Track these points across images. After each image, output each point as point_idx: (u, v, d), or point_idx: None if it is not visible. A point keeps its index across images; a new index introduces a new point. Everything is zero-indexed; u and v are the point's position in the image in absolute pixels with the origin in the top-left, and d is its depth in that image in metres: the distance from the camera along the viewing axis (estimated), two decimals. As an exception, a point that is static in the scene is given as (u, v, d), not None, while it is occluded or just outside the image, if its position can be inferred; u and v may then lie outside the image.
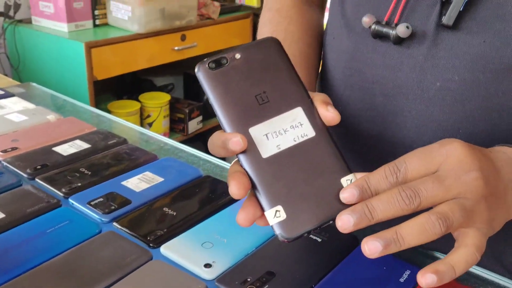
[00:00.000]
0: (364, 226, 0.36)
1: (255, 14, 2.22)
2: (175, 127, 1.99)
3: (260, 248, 0.56)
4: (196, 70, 0.42)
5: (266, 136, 0.40)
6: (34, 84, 1.10)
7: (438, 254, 0.59)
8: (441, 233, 0.36)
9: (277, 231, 0.38)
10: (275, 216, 0.38)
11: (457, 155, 0.38)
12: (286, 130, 0.40)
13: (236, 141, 0.38)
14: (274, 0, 0.68)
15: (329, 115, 0.40)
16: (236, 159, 0.41)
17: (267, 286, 0.50)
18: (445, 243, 0.58)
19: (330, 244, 0.56)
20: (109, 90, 1.97)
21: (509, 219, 0.41)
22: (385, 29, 0.51)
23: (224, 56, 0.42)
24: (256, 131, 0.40)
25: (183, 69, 2.12)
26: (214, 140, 0.41)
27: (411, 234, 0.36)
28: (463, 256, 0.36)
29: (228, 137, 0.39)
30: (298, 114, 0.41)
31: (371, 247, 0.35)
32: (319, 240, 0.57)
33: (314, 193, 0.39)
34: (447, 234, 0.54)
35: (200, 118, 2.04)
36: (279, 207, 0.39)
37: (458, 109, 0.49)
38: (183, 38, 1.83)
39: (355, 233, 0.58)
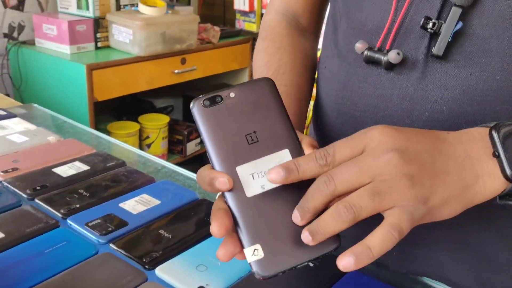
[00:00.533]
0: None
1: (254, 39, 2.26)
2: (174, 149, 2.01)
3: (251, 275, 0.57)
4: (191, 106, 0.44)
5: (252, 175, 0.41)
6: (35, 105, 1.12)
7: (427, 280, 0.60)
8: (350, 220, 0.37)
9: (254, 268, 0.39)
10: (253, 254, 0.39)
11: (377, 137, 0.39)
12: None
13: (222, 181, 0.40)
14: (269, 30, 0.71)
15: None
16: (220, 194, 0.43)
17: (259, 309, 0.50)
18: (434, 268, 0.59)
19: (321, 269, 0.57)
20: (109, 111, 1.99)
21: (472, 198, 0.41)
22: (377, 55, 0.53)
23: (219, 94, 0.43)
24: (243, 170, 0.41)
25: (182, 91, 2.15)
26: (202, 176, 0.42)
27: (328, 222, 0.37)
28: (379, 236, 0.37)
29: (216, 176, 0.40)
30: (284, 156, 0.42)
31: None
32: (311, 265, 0.58)
33: (292, 235, 0.40)
34: (437, 259, 0.55)
35: (199, 140, 2.06)
36: (258, 246, 0.40)
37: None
38: (183, 61, 1.86)
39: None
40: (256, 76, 0.67)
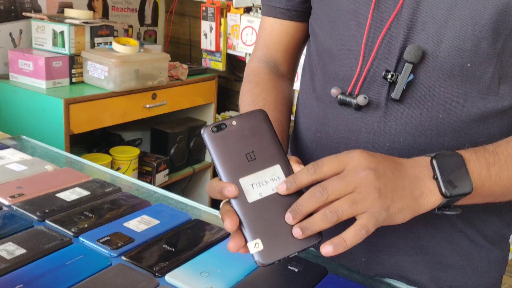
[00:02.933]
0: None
1: (220, 77, 2.40)
2: (143, 180, 2.08)
3: (249, 276, 0.67)
4: (202, 132, 0.56)
5: (252, 185, 0.54)
6: (24, 136, 1.19)
7: (390, 281, 0.72)
8: (334, 222, 0.50)
9: (256, 258, 0.52)
10: (254, 246, 0.52)
11: (357, 158, 0.52)
12: (267, 182, 0.54)
13: (230, 190, 0.52)
14: (254, 74, 0.84)
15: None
16: (225, 200, 0.55)
17: (256, 305, 0.61)
18: (396, 270, 0.72)
19: (304, 273, 0.69)
20: (80, 143, 2.05)
21: (418, 208, 0.54)
22: (348, 98, 0.67)
23: (224, 122, 0.56)
24: (244, 181, 0.54)
25: (150, 124, 2.24)
26: (213, 186, 0.55)
27: (316, 222, 0.51)
28: (351, 232, 0.50)
29: (225, 186, 0.53)
30: (276, 170, 0.55)
31: None
32: (296, 270, 0.70)
33: (285, 231, 0.53)
34: (398, 262, 0.68)
35: (167, 171, 2.14)
36: (258, 240, 0.52)
37: (403, 163, 0.65)
38: (154, 96, 1.97)
39: (324, 265, 0.71)
40: (244, 111, 0.79)
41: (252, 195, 0.54)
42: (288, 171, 0.55)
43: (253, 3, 2.16)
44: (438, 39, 0.62)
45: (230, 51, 2.32)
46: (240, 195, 0.53)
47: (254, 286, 0.65)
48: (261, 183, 0.54)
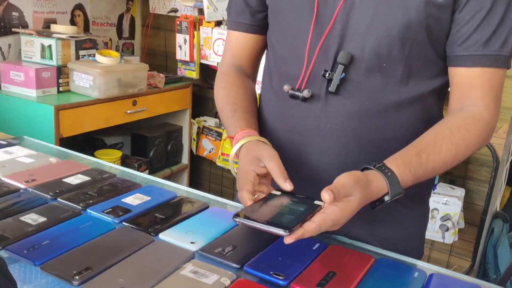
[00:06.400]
0: None
1: (194, 85, 2.59)
2: (124, 181, 2.25)
3: (223, 235, 0.86)
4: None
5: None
6: (25, 136, 1.36)
7: (335, 236, 0.92)
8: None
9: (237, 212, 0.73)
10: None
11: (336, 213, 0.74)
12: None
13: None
14: (225, 75, 1.03)
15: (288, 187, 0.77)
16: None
17: (231, 253, 0.80)
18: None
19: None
20: (65, 148, 2.21)
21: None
22: (296, 93, 0.88)
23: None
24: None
25: (131, 129, 2.41)
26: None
27: (306, 234, 0.71)
28: (312, 229, 0.71)
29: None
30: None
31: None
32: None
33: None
34: None
35: (147, 172, 2.32)
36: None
37: (340, 141, 0.86)
38: (134, 103, 2.15)
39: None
40: (218, 106, 0.99)
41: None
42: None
43: (223, 17, 2.37)
44: (362, 46, 0.83)
45: (203, 61, 2.52)
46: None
47: (226, 240, 0.84)
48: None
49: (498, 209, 2.26)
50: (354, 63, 0.84)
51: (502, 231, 2.10)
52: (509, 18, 0.80)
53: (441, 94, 0.90)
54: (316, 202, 0.77)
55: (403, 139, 0.84)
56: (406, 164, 0.79)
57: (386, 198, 0.78)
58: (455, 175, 2.13)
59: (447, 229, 1.95)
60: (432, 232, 1.99)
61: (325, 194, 0.70)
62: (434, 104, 0.89)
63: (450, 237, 1.99)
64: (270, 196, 0.80)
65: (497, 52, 0.81)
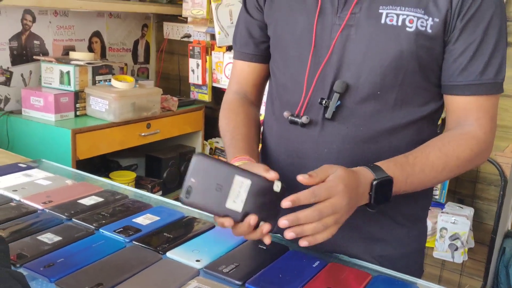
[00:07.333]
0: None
1: (206, 107, 2.66)
2: (138, 201, 2.32)
3: (228, 253, 0.91)
4: (181, 201, 0.78)
5: (234, 201, 0.76)
6: (44, 159, 1.43)
7: (335, 255, 0.97)
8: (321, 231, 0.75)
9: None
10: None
11: (339, 190, 0.76)
12: (240, 192, 0.76)
13: (227, 222, 0.78)
14: (228, 103, 1.09)
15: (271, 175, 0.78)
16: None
17: (234, 270, 0.85)
18: (338, 246, 0.96)
19: (270, 250, 0.93)
20: (81, 169, 2.29)
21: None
22: (295, 119, 0.93)
23: (187, 186, 0.77)
24: (228, 204, 0.77)
25: (145, 151, 2.48)
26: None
27: (307, 231, 0.74)
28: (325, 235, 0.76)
29: (223, 222, 0.78)
30: (237, 179, 0.76)
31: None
32: (264, 248, 0.93)
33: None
34: (338, 238, 0.93)
35: (160, 193, 2.38)
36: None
37: (336, 163, 0.90)
38: (148, 126, 2.22)
39: (286, 244, 0.95)
40: (221, 133, 1.05)
41: (239, 206, 0.75)
42: (247, 173, 0.76)
43: (234, 42, 2.44)
44: (357, 76, 0.89)
45: (215, 84, 2.60)
46: (233, 214, 0.76)
47: (230, 258, 0.89)
48: (237, 195, 0.76)
49: (510, 228, 2.27)
50: (349, 91, 0.89)
51: (513, 251, 2.10)
52: (501, 47, 0.85)
53: (433, 119, 0.95)
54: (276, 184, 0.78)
55: (397, 163, 0.88)
56: (390, 160, 0.84)
57: (374, 182, 0.80)
58: (464, 194, 2.15)
59: (456, 249, 1.97)
60: (442, 251, 2.01)
61: (300, 176, 0.73)
62: (427, 129, 0.93)
63: (459, 257, 2.00)
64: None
65: (493, 80, 0.86)
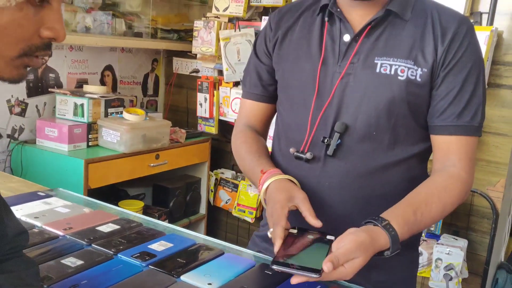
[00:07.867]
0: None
1: (213, 139, 2.76)
2: (145, 230, 2.39)
3: (237, 277, 0.99)
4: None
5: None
6: (60, 188, 1.52)
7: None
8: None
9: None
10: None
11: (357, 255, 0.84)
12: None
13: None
14: (242, 133, 1.18)
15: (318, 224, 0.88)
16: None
17: (243, 293, 0.92)
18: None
19: (274, 274, 1.00)
20: (92, 198, 2.37)
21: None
22: (300, 155, 1.03)
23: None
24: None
25: (153, 181, 2.57)
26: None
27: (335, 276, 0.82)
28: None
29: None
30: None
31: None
32: (270, 273, 1.01)
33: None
34: None
35: (167, 221, 2.45)
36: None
37: (337, 196, 0.99)
38: (157, 157, 2.32)
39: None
40: (240, 156, 1.14)
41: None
42: None
43: (240, 79, 2.57)
44: (355, 117, 0.98)
45: (221, 118, 2.70)
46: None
47: (239, 282, 0.97)
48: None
49: (502, 260, 2.33)
50: (348, 131, 0.99)
51: (506, 281, 2.16)
52: (477, 95, 0.96)
53: (424, 157, 1.04)
54: (328, 237, 0.89)
55: (391, 196, 0.97)
56: (405, 222, 0.91)
57: (386, 253, 0.88)
58: (459, 226, 2.22)
59: (451, 279, 2.03)
60: (437, 281, 2.07)
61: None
62: (418, 166, 1.03)
63: (454, 287, 2.06)
64: (291, 235, 0.91)
65: (468, 123, 0.96)
